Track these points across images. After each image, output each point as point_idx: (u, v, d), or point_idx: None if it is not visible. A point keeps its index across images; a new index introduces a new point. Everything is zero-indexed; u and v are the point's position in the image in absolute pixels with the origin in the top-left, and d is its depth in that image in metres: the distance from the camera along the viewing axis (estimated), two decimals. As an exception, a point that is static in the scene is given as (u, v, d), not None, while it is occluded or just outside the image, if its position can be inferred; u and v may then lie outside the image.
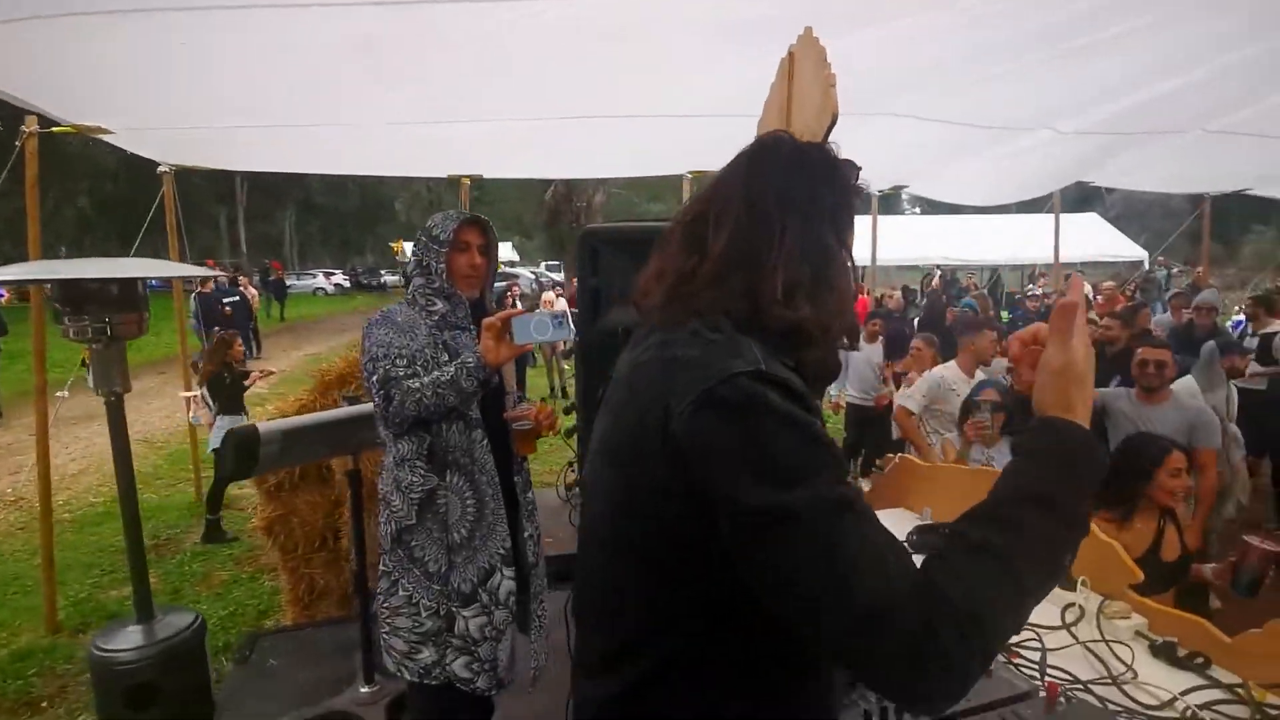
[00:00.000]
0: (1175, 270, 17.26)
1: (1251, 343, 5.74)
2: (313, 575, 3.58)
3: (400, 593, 1.93)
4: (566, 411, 4.99)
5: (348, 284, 33.96)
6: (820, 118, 2.22)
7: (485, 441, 1.96)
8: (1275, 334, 5.51)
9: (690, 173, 6.64)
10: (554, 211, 18.61)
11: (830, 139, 1.58)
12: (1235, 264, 22.71)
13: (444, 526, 1.91)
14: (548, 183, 16.61)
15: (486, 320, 1.86)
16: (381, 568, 1.98)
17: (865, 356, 5.76)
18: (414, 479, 1.90)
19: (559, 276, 22.59)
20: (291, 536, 3.53)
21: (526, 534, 2.11)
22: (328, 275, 33.75)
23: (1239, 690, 1.32)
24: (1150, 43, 4.28)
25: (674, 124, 5.16)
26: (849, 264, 0.89)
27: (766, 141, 0.94)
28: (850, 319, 0.87)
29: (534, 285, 18.76)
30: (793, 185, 0.87)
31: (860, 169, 0.92)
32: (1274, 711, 1.25)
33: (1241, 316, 12.70)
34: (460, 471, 1.92)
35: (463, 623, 1.91)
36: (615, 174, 7.07)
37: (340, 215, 35.67)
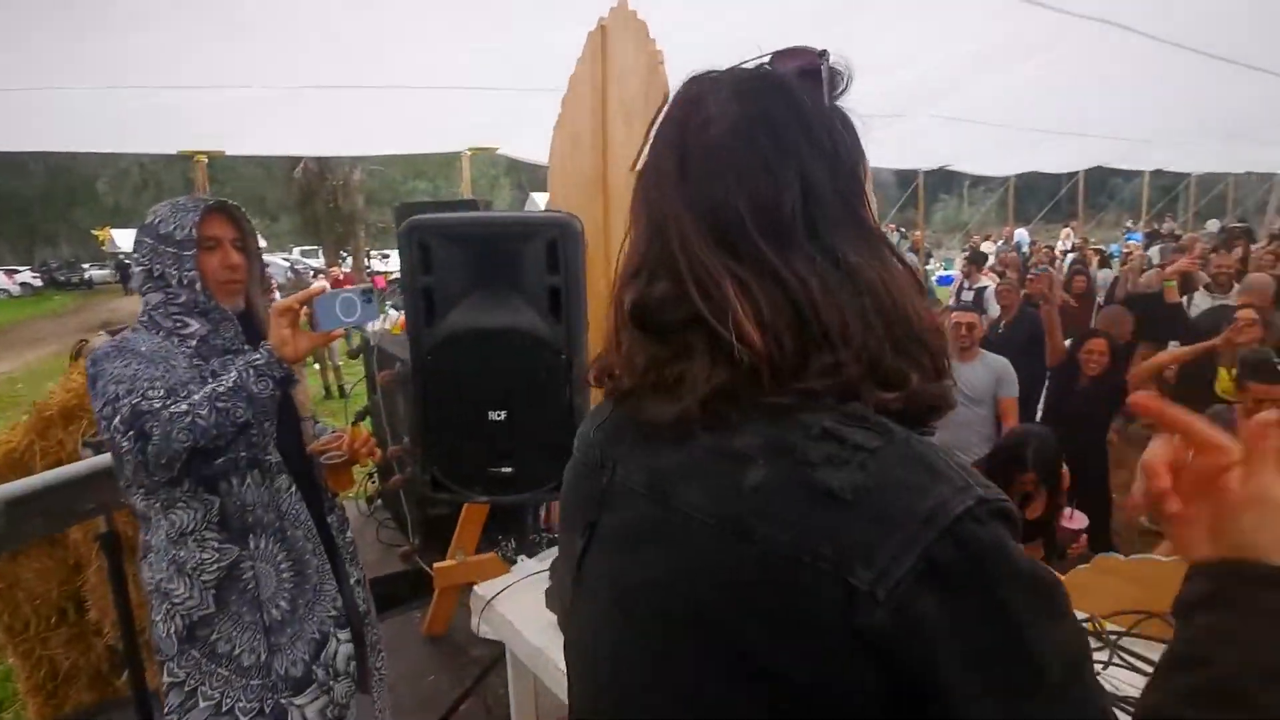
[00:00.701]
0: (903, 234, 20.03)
1: (968, 295, 6.80)
2: (53, 657, 2.86)
3: (203, 703, 1.51)
4: (360, 418, 4.52)
5: (39, 282, 27.99)
6: (649, 96, 2.13)
7: (294, 488, 1.61)
8: (985, 287, 6.60)
9: (470, 149, 6.28)
10: (306, 191, 16.82)
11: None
12: (929, 228, 27.11)
13: (256, 606, 1.53)
14: (295, 159, 14.90)
15: (280, 304, 1.48)
16: (168, 679, 1.52)
17: None
18: (205, 556, 1.49)
19: (316, 263, 20.50)
20: (18, 614, 2.77)
21: (353, 580, 1.80)
22: (10, 273, 27.54)
23: (1086, 623, 1.51)
24: (889, 34, 4.79)
25: (452, 96, 4.81)
26: (894, 250, 0.57)
27: (684, 106, 0.58)
28: (942, 342, 0.57)
29: (289, 274, 16.78)
30: (778, 172, 0.54)
31: (842, 72, 0.59)
32: (1112, 637, 1.43)
33: (943, 272, 15.18)
34: (267, 532, 1.55)
35: (297, 713, 1.57)
36: (384, 150, 6.45)
37: (20, 198, 28.93)
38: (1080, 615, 1.58)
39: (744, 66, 0.60)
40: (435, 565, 2.92)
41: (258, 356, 1.44)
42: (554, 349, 1.67)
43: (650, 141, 0.61)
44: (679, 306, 0.54)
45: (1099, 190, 19.31)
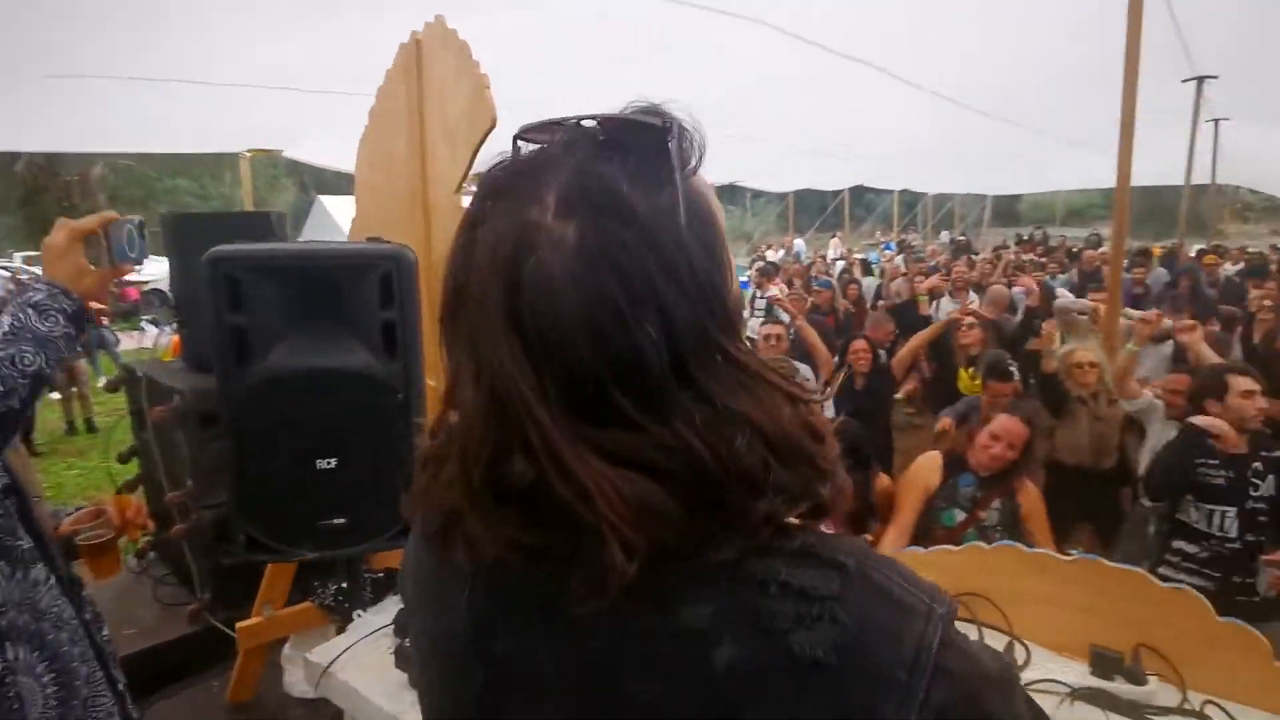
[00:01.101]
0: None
1: (761, 303, 7.41)
2: None
3: None
4: (123, 460, 3.89)
5: None
6: (473, 122, 2.09)
7: (52, 580, 1.32)
8: (774, 296, 7.23)
9: (250, 151, 5.67)
10: (31, 187, 14.17)
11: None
12: (719, 236, 29.30)
13: None
14: (16, 152, 12.47)
15: (77, 226, 1.25)
16: None
17: None
18: None
19: (44, 271, 17.22)
20: None
21: (121, 686, 1.52)
22: None
23: None
24: (686, 61, 5.10)
25: (231, 94, 4.33)
26: (760, 365, 0.49)
27: (505, 222, 0.46)
28: (827, 449, 0.50)
29: (9, 285, 13.98)
30: (637, 322, 0.44)
31: (692, 138, 0.49)
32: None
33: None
34: (25, 638, 1.27)
35: None
36: (145, 148, 5.61)
37: None
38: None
39: (571, 153, 0.47)
40: (239, 624, 2.60)
41: (34, 293, 1.20)
42: (390, 388, 1.57)
43: (464, 251, 0.48)
44: (550, 489, 0.44)
45: (858, 205, 21.87)
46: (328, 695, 1.55)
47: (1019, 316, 5.94)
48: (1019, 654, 1.57)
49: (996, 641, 1.59)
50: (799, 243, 17.61)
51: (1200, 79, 6.74)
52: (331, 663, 1.54)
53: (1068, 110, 7.52)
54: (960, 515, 2.39)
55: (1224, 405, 2.50)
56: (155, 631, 3.31)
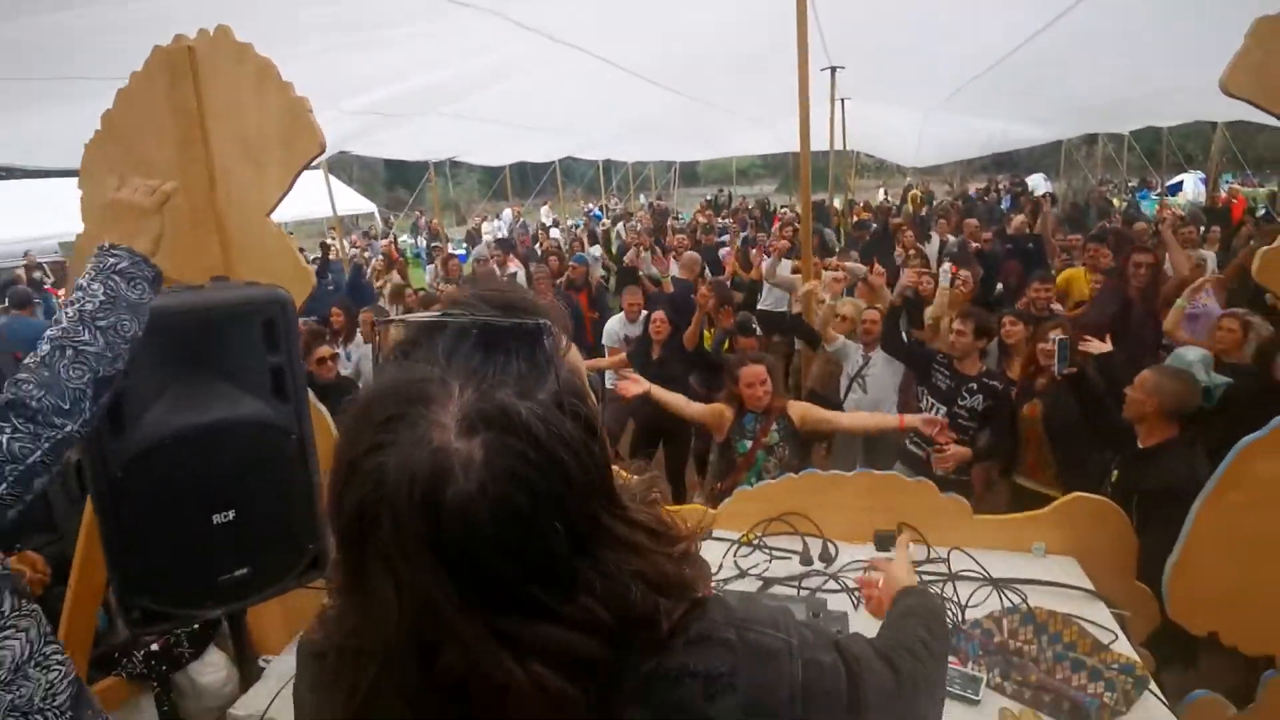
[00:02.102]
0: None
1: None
2: None
3: None
4: None
5: None
6: (290, 146, 2.04)
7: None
8: (515, 274, 7.45)
9: None
10: None
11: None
12: (424, 207, 28.29)
13: None
14: None
15: (168, 190, 1.33)
16: None
17: None
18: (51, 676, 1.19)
19: None
20: None
21: None
22: None
23: (741, 538, 2.19)
24: (413, 46, 5.03)
25: None
26: (636, 523, 0.59)
27: (420, 455, 0.49)
28: (687, 566, 0.62)
29: None
30: (544, 529, 0.52)
31: (559, 334, 0.58)
32: (757, 540, 2.11)
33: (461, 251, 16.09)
34: None
35: None
36: None
37: None
38: (732, 534, 2.25)
39: (455, 366, 0.53)
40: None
41: (115, 259, 1.20)
42: (284, 431, 1.56)
43: (372, 478, 0.50)
44: (475, 683, 0.51)
45: (563, 173, 22.73)
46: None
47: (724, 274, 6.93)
48: (830, 550, 2.12)
49: (813, 545, 2.13)
50: (506, 213, 17.95)
51: (833, 68, 8.30)
52: (263, 716, 1.52)
53: (739, 90, 8.75)
54: (748, 443, 2.95)
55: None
56: None
